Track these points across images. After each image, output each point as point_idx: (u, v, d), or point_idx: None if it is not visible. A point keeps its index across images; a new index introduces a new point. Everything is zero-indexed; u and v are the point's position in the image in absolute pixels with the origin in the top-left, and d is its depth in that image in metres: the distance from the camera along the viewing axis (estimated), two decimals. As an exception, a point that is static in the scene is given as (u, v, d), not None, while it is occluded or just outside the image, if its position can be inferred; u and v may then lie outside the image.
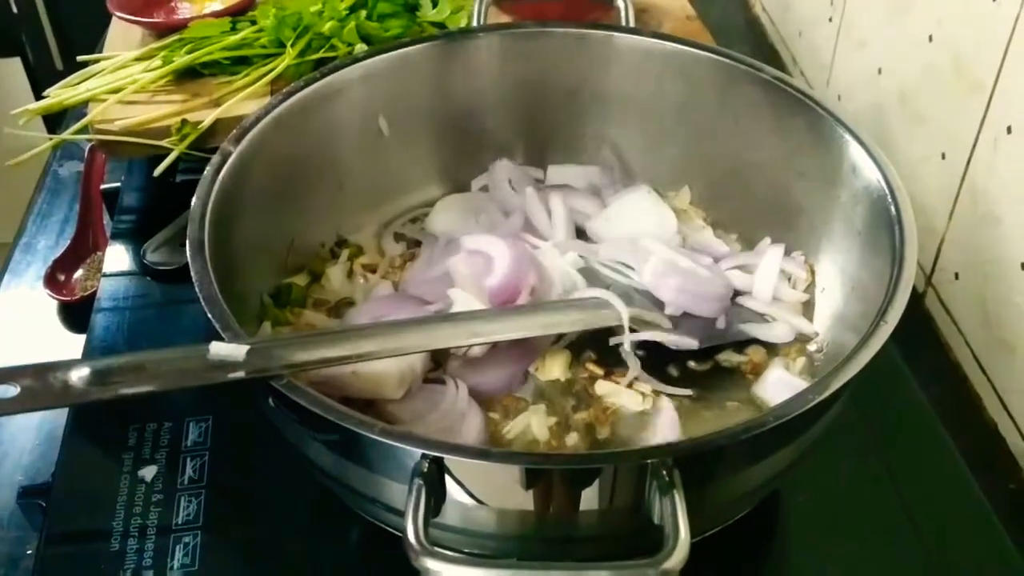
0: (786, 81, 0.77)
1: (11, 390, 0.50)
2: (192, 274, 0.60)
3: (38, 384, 0.51)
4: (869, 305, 0.62)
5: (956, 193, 0.84)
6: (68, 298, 0.93)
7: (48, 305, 0.93)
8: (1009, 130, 0.76)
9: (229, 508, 0.69)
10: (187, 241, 0.62)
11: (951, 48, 0.83)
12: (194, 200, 0.66)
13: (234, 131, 0.72)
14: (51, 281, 0.94)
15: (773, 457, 0.57)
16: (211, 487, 0.70)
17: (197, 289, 0.59)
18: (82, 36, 1.16)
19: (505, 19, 0.98)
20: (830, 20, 1.08)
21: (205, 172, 0.68)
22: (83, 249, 0.99)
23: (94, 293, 0.89)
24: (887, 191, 0.66)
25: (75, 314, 0.92)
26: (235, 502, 0.70)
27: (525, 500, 0.53)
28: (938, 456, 0.74)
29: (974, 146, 0.81)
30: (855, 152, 0.70)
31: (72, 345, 0.88)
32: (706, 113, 0.83)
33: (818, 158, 0.74)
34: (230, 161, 0.69)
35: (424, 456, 0.50)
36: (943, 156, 0.85)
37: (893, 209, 0.64)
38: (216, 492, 0.70)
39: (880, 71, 0.96)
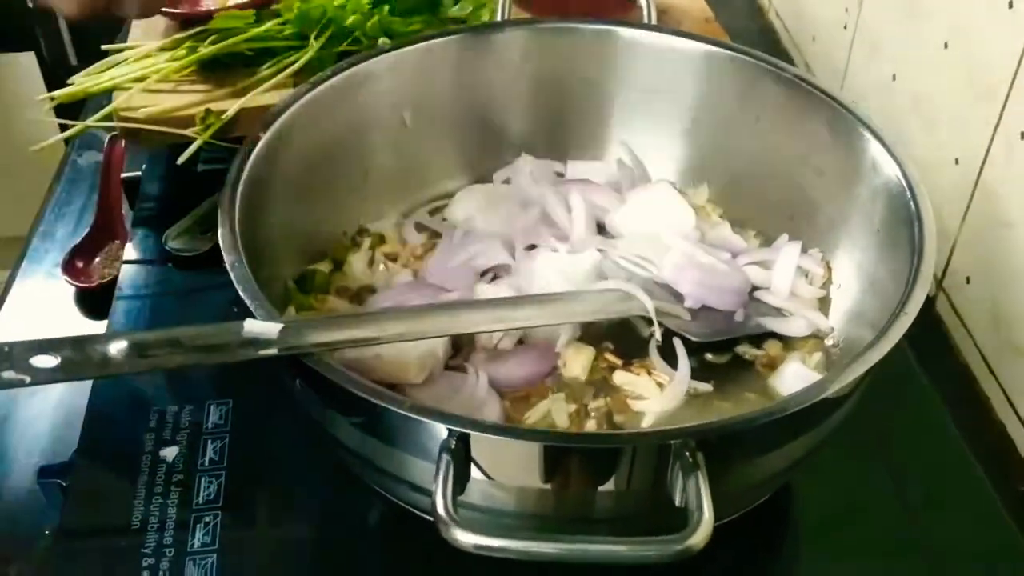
0: (807, 80, 0.78)
1: (52, 360, 0.51)
2: (224, 256, 0.61)
3: (78, 355, 0.52)
4: (886, 302, 0.63)
5: (969, 198, 0.85)
6: (86, 285, 0.94)
7: (66, 292, 0.94)
8: (1023, 136, 0.77)
9: (249, 489, 0.70)
10: (219, 223, 0.63)
11: (966, 55, 0.84)
12: (225, 184, 0.66)
13: (263, 117, 0.73)
14: (69, 268, 0.95)
15: (791, 444, 0.57)
16: (231, 468, 0.71)
17: (230, 270, 0.60)
18: (96, 31, 1.16)
19: (526, 15, 0.99)
20: (845, 27, 1.09)
21: (235, 158, 0.69)
22: (102, 237, 0.99)
23: (112, 280, 0.90)
24: (906, 188, 0.67)
25: (93, 301, 0.92)
26: (255, 483, 0.71)
27: (548, 479, 0.54)
28: (949, 457, 0.75)
29: (987, 152, 0.82)
30: (875, 150, 0.71)
31: (89, 329, 0.89)
32: (726, 111, 0.84)
33: (837, 156, 0.75)
34: (258, 147, 0.70)
35: (451, 433, 0.51)
36: (956, 161, 0.86)
37: (912, 205, 0.65)
38: (236, 473, 0.71)
39: (894, 77, 0.98)
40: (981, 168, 0.83)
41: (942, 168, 0.88)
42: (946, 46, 0.87)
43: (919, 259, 0.61)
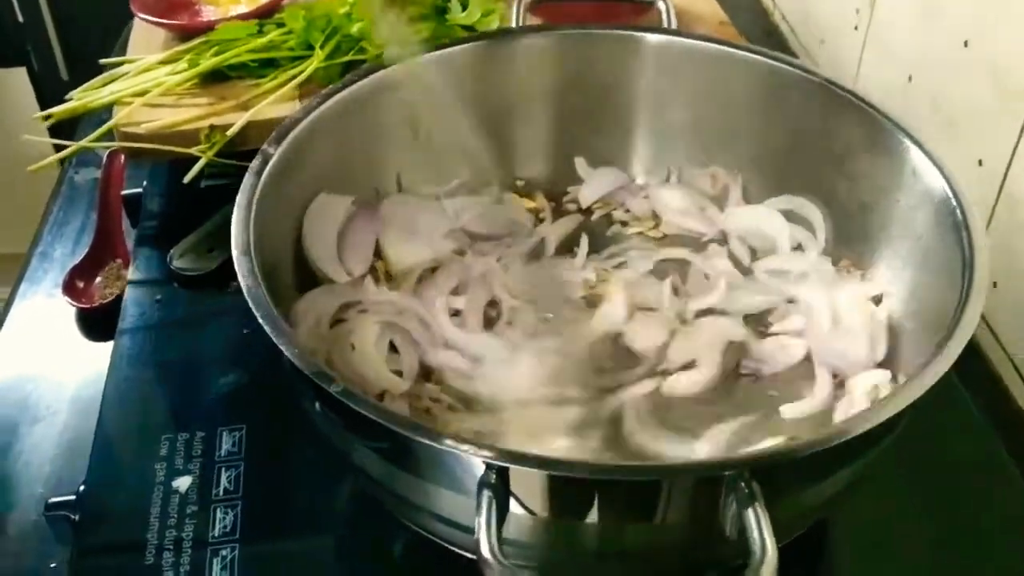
0: (839, 84, 0.75)
1: None
2: (239, 276, 0.59)
3: None
4: (930, 313, 0.61)
5: (994, 201, 0.83)
6: (87, 305, 0.91)
7: (67, 312, 0.91)
8: (1052, 135, 0.75)
9: (267, 519, 0.68)
10: (232, 246, 0.60)
11: (988, 53, 0.82)
12: (237, 202, 0.64)
13: (274, 133, 0.70)
14: (70, 288, 0.93)
15: (841, 472, 0.55)
16: (247, 498, 0.68)
17: (244, 291, 0.57)
18: (88, 46, 1.14)
19: (536, 22, 0.96)
20: (855, 28, 1.07)
21: (247, 175, 0.67)
22: (102, 256, 0.97)
23: (113, 300, 0.88)
24: (951, 195, 0.65)
25: (93, 321, 0.90)
26: (273, 513, 0.68)
27: (592, 514, 0.51)
28: (986, 471, 0.73)
29: (1013, 153, 0.80)
30: (915, 156, 0.69)
31: (91, 351, 0.87)
32: (753, 116, 0.82)
33: (872, 162, 0.73)
34: (271, 163, 0.68)
35: (490, 467, 0.48)
36: (980, 163, 0.84)
37: (959, 213, 0.63)
38: (253, 503, 0.68)
39: (911, 79, 0.95)
40: (1007, 169, 0.81)
41: (965, 170, 0.85)
42: (966, 45, 0.85)
43: (971, 270, 0.58)
